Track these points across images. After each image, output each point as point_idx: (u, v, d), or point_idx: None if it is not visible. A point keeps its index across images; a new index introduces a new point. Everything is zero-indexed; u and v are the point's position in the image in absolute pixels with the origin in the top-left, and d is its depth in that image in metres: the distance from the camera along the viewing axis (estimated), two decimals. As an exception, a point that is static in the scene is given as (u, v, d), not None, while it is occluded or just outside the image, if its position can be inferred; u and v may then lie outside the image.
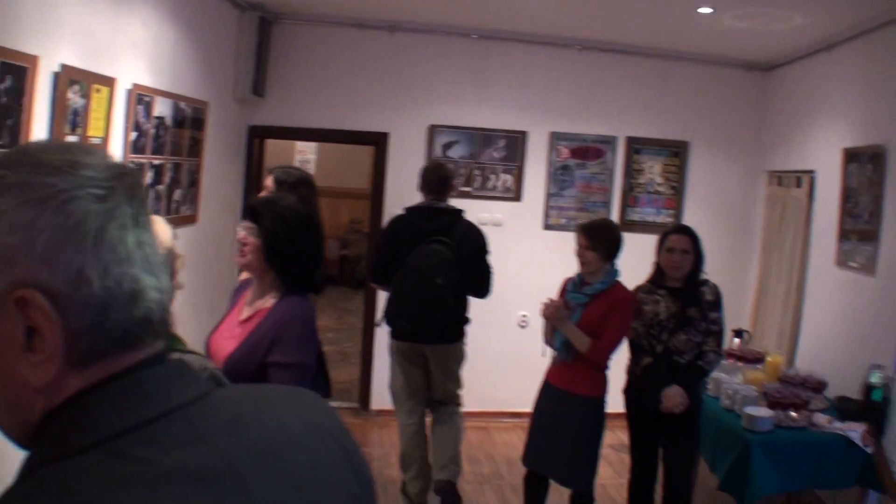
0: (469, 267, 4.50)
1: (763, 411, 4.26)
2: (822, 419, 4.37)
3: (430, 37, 6.49)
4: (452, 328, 4.63)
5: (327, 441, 1.00)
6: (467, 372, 6.34)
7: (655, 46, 6.62)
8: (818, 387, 4.68)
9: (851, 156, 5.20)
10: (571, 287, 4.16)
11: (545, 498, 4.34)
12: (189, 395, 0.88)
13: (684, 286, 4.14)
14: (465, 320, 4.70)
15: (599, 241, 4.02)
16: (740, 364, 5.08)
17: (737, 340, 5.50)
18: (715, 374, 4.80)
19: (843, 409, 4.45)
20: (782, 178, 6.49)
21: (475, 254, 4.56)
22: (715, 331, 4.07)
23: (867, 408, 4.35)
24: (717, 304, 4.11)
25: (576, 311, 4.00)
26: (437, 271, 4.35)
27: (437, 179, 4.65)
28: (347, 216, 12.69)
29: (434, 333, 4.54)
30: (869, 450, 4.13)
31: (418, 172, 4.81)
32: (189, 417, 0.86)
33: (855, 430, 4.22)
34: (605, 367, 4.06)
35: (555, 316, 4.00)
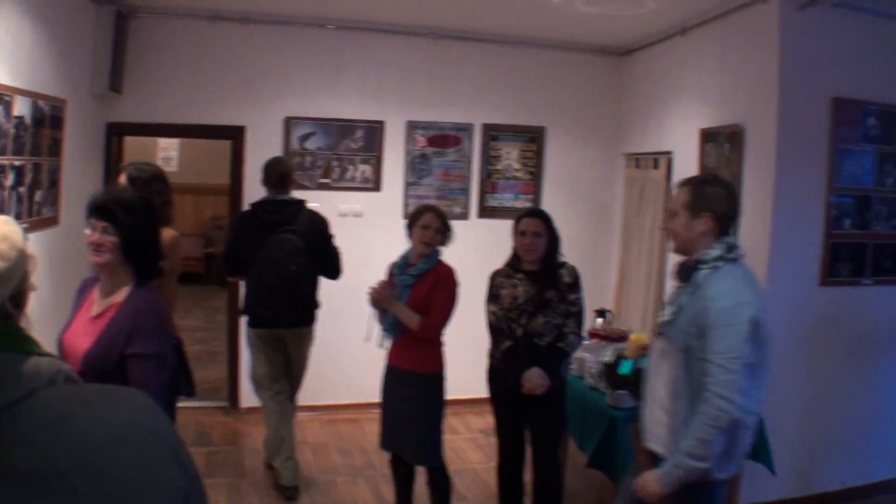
0: (317, 252, 4.79)
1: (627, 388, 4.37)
2: None
3: (285, 28, 6.36)
4: (307, 312, 4.91)
5: (151, 438, 1.02)
6: (335, 364, 6.39)
7: (510, 33, 6.71)
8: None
9: (708, 136, 5.47)
10: (397, 271, 4.25)
11: (412, 479, 4.40)
12: (13, 395, 0.90)
13: (541, 269, 4.17)
14: (317, 304, 4.97)
15: (446, 225, 4.22)
16: (604, 343, 5.21)
17: (600, 320, 5.64)
18: (579, 353, 4.96)
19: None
20: (640, 160, 6.74)
21: (321, 239, 4.86)
22: (574, 312, 4.12)
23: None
24: (575, 285, 4.16)
25: (403, 292, 4.11)
26: (290, 258, 4.64)
27: (276, 174, 4.91)
28: (211, 213, 12.37)
29: (292, 318, 4.84)
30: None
31: (261, 167, 5.02)
32: (14, 417, 0.88)
33: None
34: (437, 342, 4.17)
35: (383, 298, 4.09)
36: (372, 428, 5.16)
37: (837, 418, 5.10)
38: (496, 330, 4.21)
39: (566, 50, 6.99)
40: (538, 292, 4.09)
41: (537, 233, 4.11)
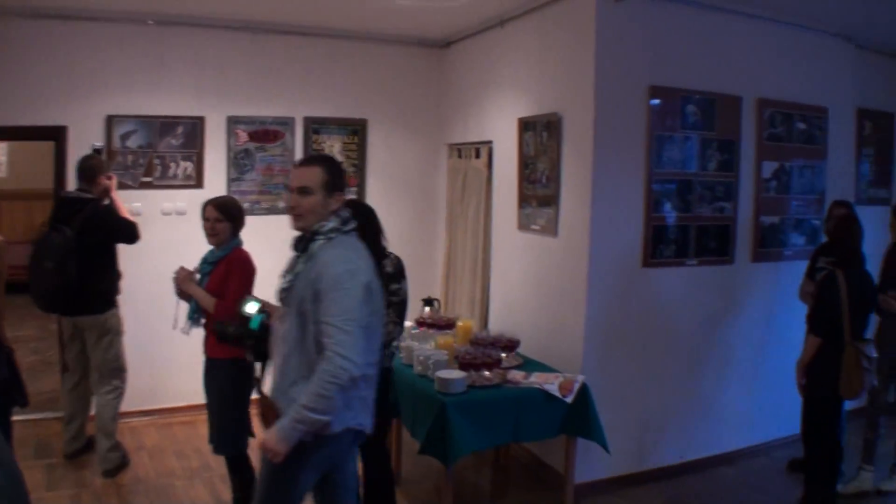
0: (98, 247, 5.08)
1: (455, 373, 4.49)
2: (517, 375, 4.74)
3: (105, 24, 6.02)
4: (89, 301, 5.12)
5: None
6: (169, 367, 6.22)
7: (329, 26, 6.69)
8: (510, 345, 5.04)
9: (526, 125, 5.69)
10: (201, 261, 4.33)
11: (246, 474, 4.29)
12: None
13: None
14: (103, 293, 5.21)
15: (228, 215, 4.27)
16: (432, 331, 5.34)
17: (427, 309, 5.74)
18: (407, 342, 5.09)
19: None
20: (462, 150, 6.91)
21: (101, 236, 5.12)
22: (395, 302, 4.16)
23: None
24: (396, 275, 4.21)
25: (203, 279, 4.23)
26: (48, 256, 4.89)
27: (78, 171, 5.24)
28: (42, 218, 11.47)
29: (69, 307, 5.10)
30: (568, 399, 4.53)
31: None
32: None
33: (552, 383, 4.62)
34: None
35: (183, 279, 4.22)
36: (206, 429, 5.03)
37: (670, 394, 5.46)
38: None
39: (387, 42, 7.06)
40: None
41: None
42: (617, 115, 5.03)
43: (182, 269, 4.27)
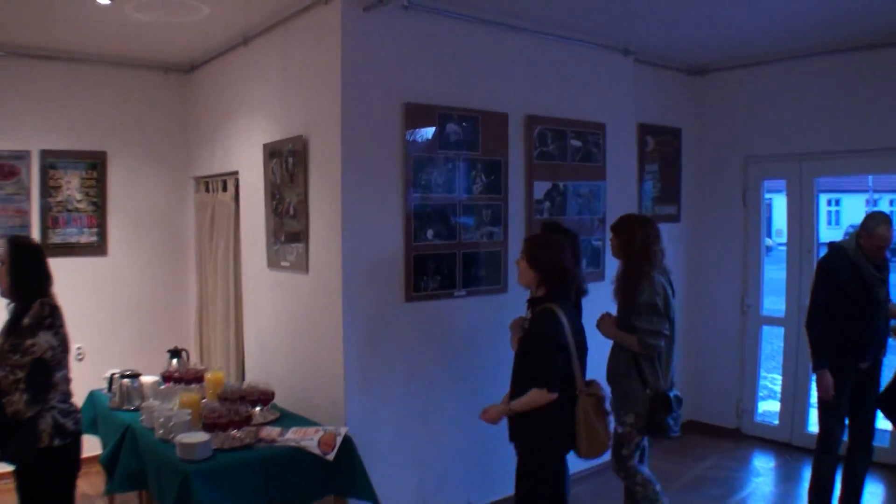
0: None
1: (198, 436, 4.14)
2: (272, 432, 4.44)
3: None
4: None
5: None
6: None
7: (66, 48, 6.27)
8: (263, 398, 4.76)
9: (272, 152, 5.46)
10: None
11: None
12: None
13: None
14: None
15: None
16: (179, 386, 4.99)
17: (174, 361, 5.38)
18: (149, 401, 4.74)
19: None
20: (209, 182, 6.59)
21: None
22: (21, 363, 3.63)
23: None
24: (33, 327, 3.69)
25: None
26: None
27: None
28: None
29: None
30: (329, 457, 4.27)
31: None
32: None
33: (311, 439, 4.35)
34: None
35: None
36: None
37: (450, 434, 5.36)
38: None
39: (128, 67, 6.70)
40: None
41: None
42: (368, 137, 4.89)
43: None
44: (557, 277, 4.10)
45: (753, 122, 7.24)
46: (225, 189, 6.26)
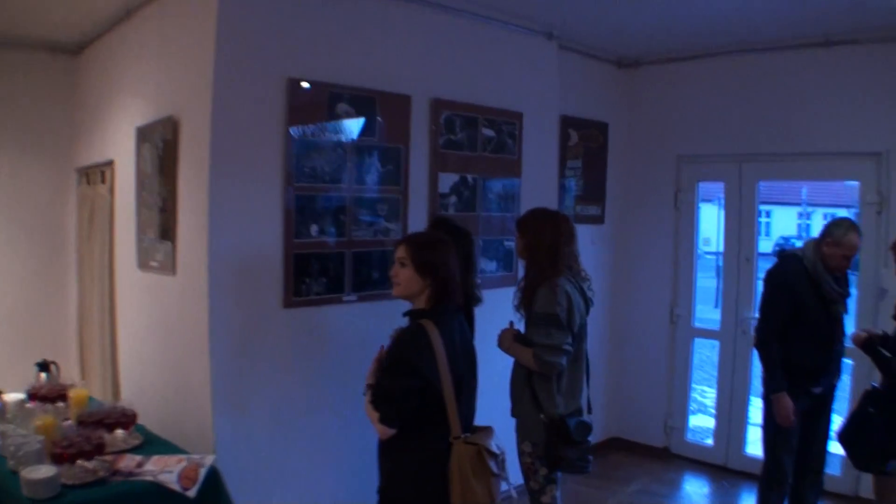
0: None
1: (45, 471, 3.54)
2: (130, 463, 3.82)
3: None
4: None
5: None
6: None
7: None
8: (124, 420, 4.14)
9: (144, 135, 4.92)
10: None
11: None
12: None
13: None
14: None
15: None
16: (43, 405, 4.39)
17: (43, 375, 4.82)
18: (4, 425, 4.10)
19: None
20: (90, 174, 6.02)
21: None
22: None
23: None
24: None
25: None
26: None
27: None
28: None
29: None
30: (191, 494, 3.70)
31: None
32: None
33: (172, 471, 3.73)
34: None
35: None
36: None
37: (338, 464, 4.83)
38: None
39: (10, 48, 6.11)
40: None
41: None
42: (245, 117, 4.34)
43: None
44: (444, 287, 3.45)
45: (688, 119, 6.88)
46: (103, 181, 5.70)
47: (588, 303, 4.20)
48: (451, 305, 3.48)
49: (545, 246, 4.08)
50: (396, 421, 3.29)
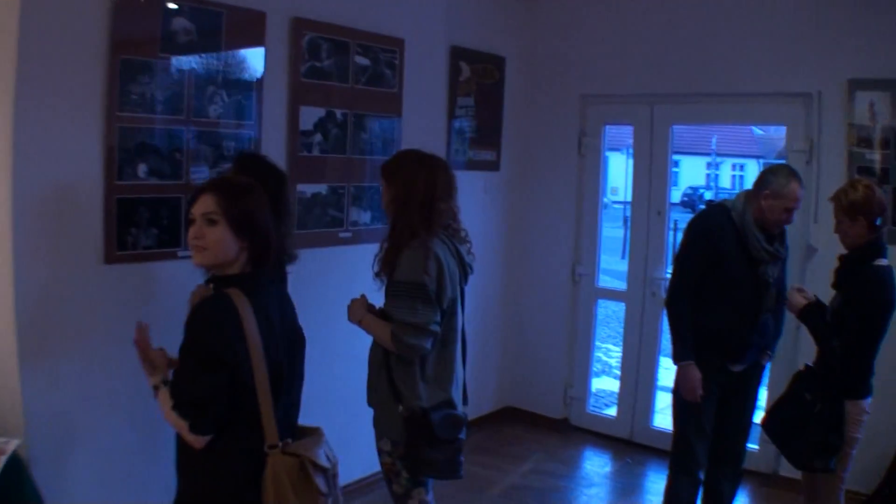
0: None
1: None
2: None
3: None
4: None
5: None
6: None
7: None
8: None
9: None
10: None
11: None
12: None
13: None
14: None
15: None
16: None
17: None
18: None
19: None
20: None
21: None
22: None
23: None
24: None
25: None
26: None
27: None
28: None
29: None
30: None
31: None
32: None
33: None
34: None
35: None
36: None
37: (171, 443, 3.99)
38: None
39: None
40: None
41: None
42: (59, 33, 3.54)
43: None
44: (265, 248, 2.67)
45: (594, 54, 6.25)
46: None
47: (466, 270, 3.52)
48: (263, 272, 2.71)
49: (417, 199, 3.34)
50: (212, 426, 2.51)
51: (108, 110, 3.69)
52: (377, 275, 3.47)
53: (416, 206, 3.33)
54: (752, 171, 25.05)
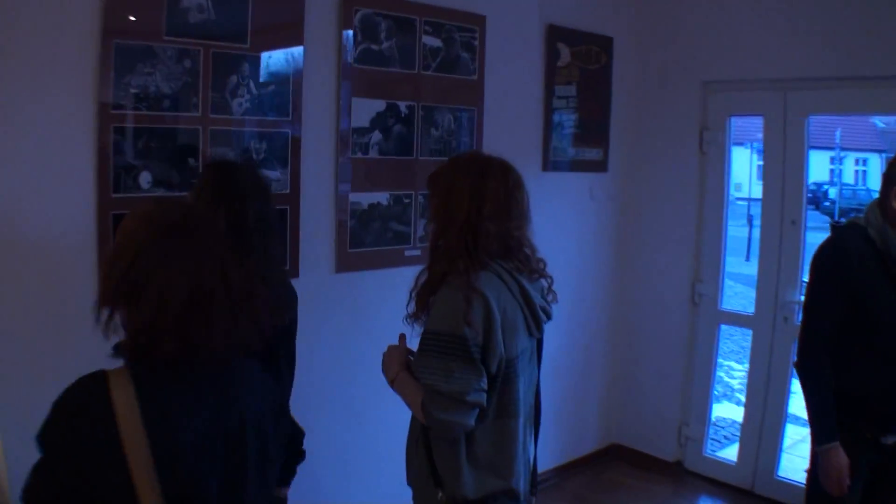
0: None
1: None
2: None
3: None
4: None
5: None
6: None
7: None
8: None
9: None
10: None
11: None
12: None
13: None
14: None
15: None
16: None
17: None
18: None
19: None
20: None
21: None
22: None
23: None
24: None
25: None
26: None
27: None
28: None
29: None
30: None
31: None
32: None
33: None
34: None
35: None
36: None
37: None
38: None
39: None
40: None
41: None
42: (27, 15, 2.96)
43: None
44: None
45: (718, 33, 5.36)
46: None
47: (538, 317, 2.60)
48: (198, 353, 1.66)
49: (458, 217, 2.48)
50: None
51: (100, 107, 3.09)
52: (412, 317, 2.63)
53: (457, 227, 2.48)
54: (875, 165, 23.65)
